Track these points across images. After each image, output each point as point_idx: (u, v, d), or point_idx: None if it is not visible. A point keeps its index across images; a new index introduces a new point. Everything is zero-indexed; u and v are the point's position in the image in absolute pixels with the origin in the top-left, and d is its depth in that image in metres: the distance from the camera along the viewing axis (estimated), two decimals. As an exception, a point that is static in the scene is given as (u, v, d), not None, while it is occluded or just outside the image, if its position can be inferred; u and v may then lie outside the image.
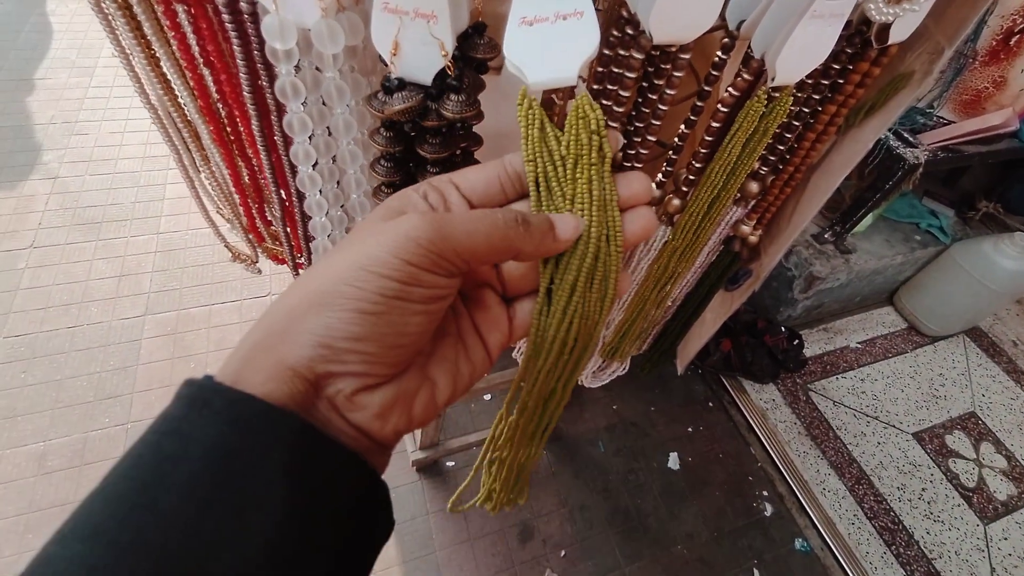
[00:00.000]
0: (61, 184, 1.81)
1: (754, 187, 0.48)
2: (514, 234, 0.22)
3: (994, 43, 1.23)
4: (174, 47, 0.35)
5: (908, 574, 1.27)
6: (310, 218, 0.41)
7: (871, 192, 1.45)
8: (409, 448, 1.31)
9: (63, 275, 1.59)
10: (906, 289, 1.77)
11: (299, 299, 0.20)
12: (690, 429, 1.56)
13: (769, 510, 1.41)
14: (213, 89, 0.38)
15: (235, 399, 0.18)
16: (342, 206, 0.42)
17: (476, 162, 0.36)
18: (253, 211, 0.48)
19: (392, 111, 0.29)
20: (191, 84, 0.38)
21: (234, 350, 0.21)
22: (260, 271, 0.59)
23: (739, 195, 0.49)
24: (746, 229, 0.50)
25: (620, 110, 0.36)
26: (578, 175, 0.25)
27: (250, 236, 0.50)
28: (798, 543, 1.35)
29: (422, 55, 0.28)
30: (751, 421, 1.53)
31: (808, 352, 1.69)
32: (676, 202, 0.42)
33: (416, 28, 0.27)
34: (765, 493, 1.45)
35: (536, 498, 1.38)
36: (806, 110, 0.40)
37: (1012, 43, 1.21)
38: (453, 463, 1.40)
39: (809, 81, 0.38)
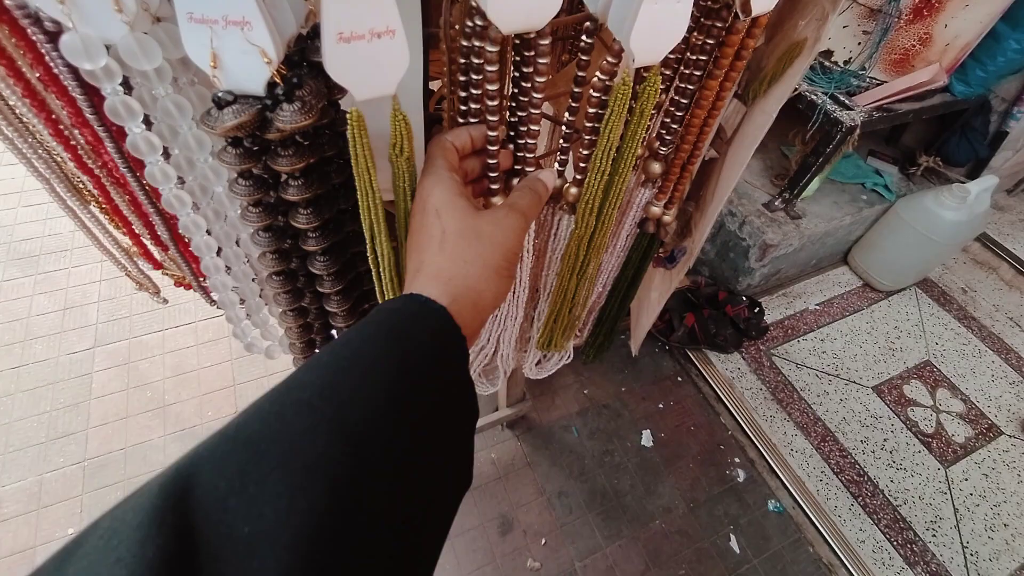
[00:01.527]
0: (-8, 219, 1.72)
1: (656, 168, 0.47)
2: (541, 200, 0.38)
3: (917, 0, 1.25)
4: (2, 72, 0.32)
5: (875, 523, 1.32)
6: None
7: (814, 156, 1.47)
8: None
9: (3, 314, 1.52)
10: (858, 248, 1.81)
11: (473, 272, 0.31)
12: (661, 405, 1.58)
13: (742, 476, 1.45)
14: (64, 114, 0.36)
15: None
16: (225, 219, 0.40)
17: (350, 167, 0.34)
18: (143, 238, 0.46)
19: (224, 128, 0.27)
20: (34, 111, 0.35)
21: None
22: (166, 300, 0.56)
23: (644, 177, 0.49)
24: (656, 210, 0.50)
25: (493, 103, 0.35)
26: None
27: (141, 263, 0.47)
28: (771, 504, 1.39)
29: (245, 65, 0.26)
30: (719, 391, 1.55)
31: (769, 318, 1.72)
32: (574, 191, 0.41)
33: (231, 37, 0.25)
34: (737, 460, 1.48)
35: (514, 489, 1.39)
36: (690, 87, 0.40)
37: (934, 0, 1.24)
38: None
39: (673, 58, 0.37)
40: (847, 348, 1.65)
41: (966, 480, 1.40)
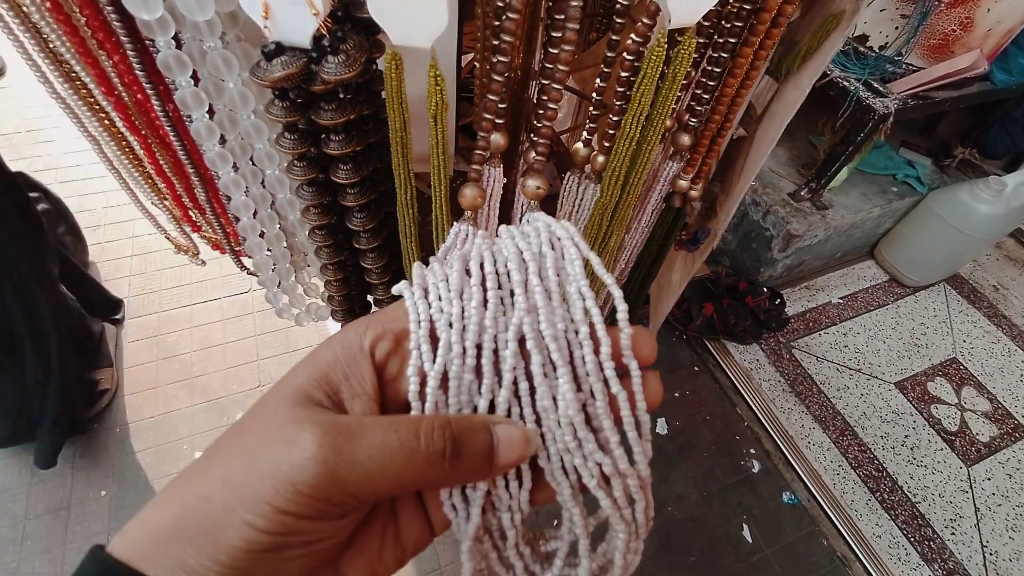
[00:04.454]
0: (30, 194, 1.78)
1: (685, 140, 0.47)
2: (435, 472, 0.17)
3: (959, -17, 1.21)
4: (60, 33, 0.34)
5: (892, 518, 1.30)
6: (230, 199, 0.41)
7: (844, 146, 1.44)
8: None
9: (40, 285, 1.58)
10: (886, 241, 1.77)
11: (172, 514, 0.18)
12: (676, 394, 1.58)
13: (757, 467, 1.44)
14: (113, 74, 0.37)
15: None
16: (263, 182, 0.41)
17: (385, 127, 0.35)
18: (185, 200, 0.48)
19: (273, 78, 0.28)
20: (89, 70, 0.37)
21: (126, 530, 0.19)
22: (204, 262, 0.58)
23: (672, 149, 0.49)
24: (684, 184, 0.50)
25: (499, 78, 0.34)
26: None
27: (185, 226, 0.50)
28: (786, 496, 1.38)
29: (294, 17, 0.27)
30: (736, 382, 1.54)
31: (790, 310, 1.70)
32: (601, 159, 0.41)
33: (283, -12, 0.26)
34: (752, 451, 1.47)
35: (528, 471, 1.40)
36: (724, 55, 0.39)
37: (977, -18, 1.19)
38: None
39: (707, 24, 0.37)
40: (870, 343, 1.62)
41: (989, 479, 1.37)
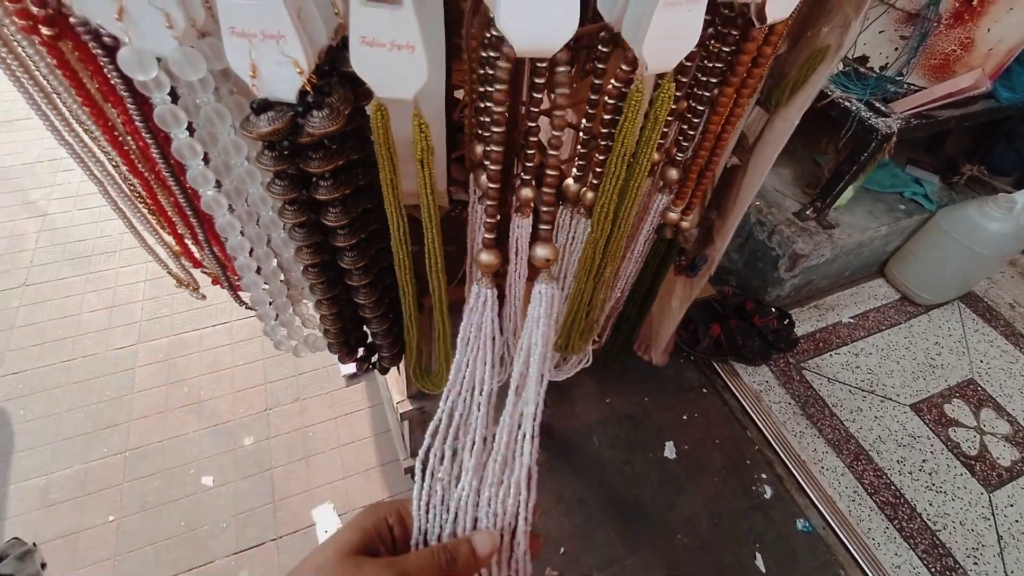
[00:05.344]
0: (50, 221, 1.85)
1: (673, 174, 0.48)
2: (446, 570, 0.30)
3: (957, 4, 1.21)
4: (66, 84, 0.36)
5: (912, 547, 1.26)
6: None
7: (847, 165, 1.43)
8: (401, 456, 1.32)
9: (56, 310, 1.62)
10: (896, 259, 1.75)
11: None
12: (685, 417, 1.56)
13: (768, 492, 1.41)
14: (118, 122, 0.39)
15: None
16: (258, 221, 0.42)
17: (375, 169, 0.36)
18: (184, 237, 0.49)
19: (259, 133, 0.29)
20: (95, 120, 0.39)
21: None
22: (204, 296, 0.60)
23: (662, 183, 0.50)
24: (674, 216, 0.50)
25: (498, 130, 0.35)
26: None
27: (185, 262, 0.51)
28: (799, 524, 1.34)
29: (280, 74, 0.28)
30: (745, 404, 1.52)
31: (800, 330, 1.68)
32: (590, 195, 0.42)
33: (268, 49, 0.27)
34: (763, 475, 1.44)
35: (533, 497, 1.38)
36: (706, 94, 0.40)
37: (975, 3, 1.20)
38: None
39: (690, 65, 0.38)
40: (883, 364, 1.59)
41: (1011, 506, 1.32)
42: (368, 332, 0.54)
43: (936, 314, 1.71)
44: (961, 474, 1.37)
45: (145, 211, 0.53)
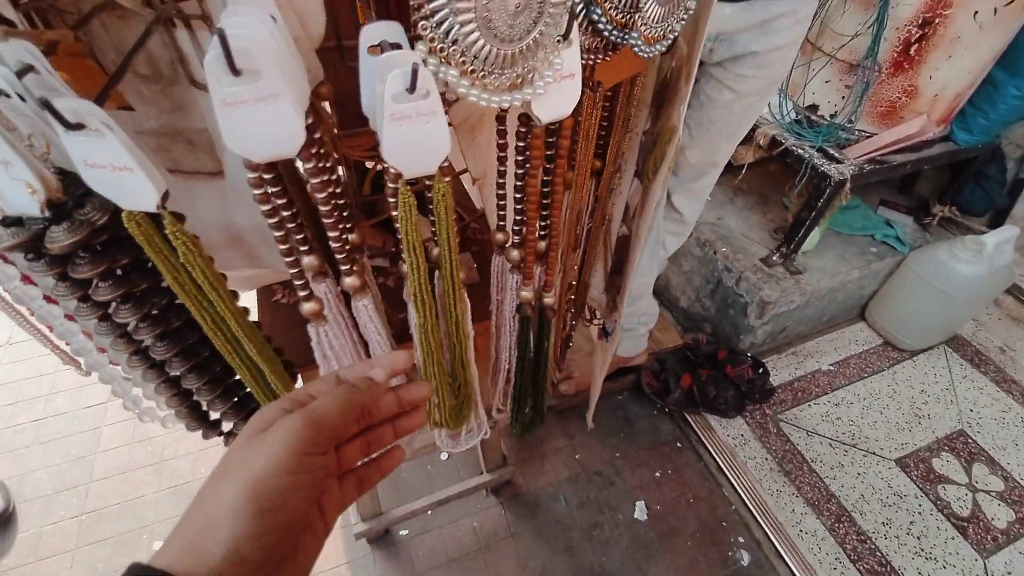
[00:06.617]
0: (39, 282, 1.92)
1: (515, 255, 0.48)
2: (356, 396, 0.31)
3: (895, 55, 1.23)
4: None
5: (900, 622, 1.15)
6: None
7: (807, 211, 1.42)
8: (352, 519, 1.28)
9: (33, 369, 1.66)
10: (875, 303, 1.70)
11: (212, 509, 0.27)
12: (658, 474, 1.49)
13: (746, 558, 1.31)
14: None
15: None
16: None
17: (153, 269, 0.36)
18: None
19: (3, 248, 0.30)
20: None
21: (168, 541, 0.27)
22: (88, 373, 0.61)
23: (511, 265, 0.49)
24: (527, 295, 0.49)
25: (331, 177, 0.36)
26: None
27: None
28: (779, 595, 1.24)
29: (20, 194, 0.30)
30: (719, 461, 1.45)
31: (777, 379, 1.62)
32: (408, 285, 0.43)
33: (1, 171, 0.29)
34: (741, 539, 1.35)
35: (495, 562, 1.32)
36: (518, 183, 0.41)
37: (912, 52, 1.21)
38: (407, 531, 1.35)
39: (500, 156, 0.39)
40: (866, 414, 1.51)
41: (1009, 574, 1.21)
42: (219, 415, 0.53)
43: (921, 359, 1.64)
44: (953, 538, 1.26)
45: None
